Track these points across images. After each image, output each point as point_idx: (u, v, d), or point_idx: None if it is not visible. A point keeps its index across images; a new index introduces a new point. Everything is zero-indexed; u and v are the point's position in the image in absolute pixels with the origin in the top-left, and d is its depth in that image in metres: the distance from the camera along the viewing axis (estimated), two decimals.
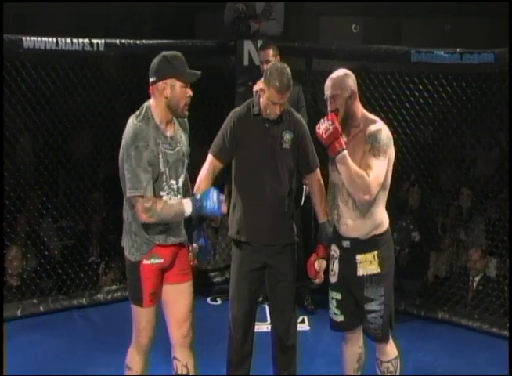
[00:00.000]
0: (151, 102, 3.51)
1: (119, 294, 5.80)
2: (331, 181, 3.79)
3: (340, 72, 3.66)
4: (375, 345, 3.84)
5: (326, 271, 3.91)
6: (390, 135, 3.64)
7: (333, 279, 3.81)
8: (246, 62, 5.89)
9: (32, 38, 5.09)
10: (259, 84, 4.24)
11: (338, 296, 3.80)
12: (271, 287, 4.03)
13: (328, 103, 3.64)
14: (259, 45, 5.73)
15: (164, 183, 3.49)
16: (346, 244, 3.72)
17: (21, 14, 8.07)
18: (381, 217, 3.70)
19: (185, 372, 3.70)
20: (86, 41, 5.29)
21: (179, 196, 3.55)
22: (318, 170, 4.01)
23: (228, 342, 4.09)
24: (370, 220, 3.66)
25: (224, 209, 3.50)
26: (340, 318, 3.82)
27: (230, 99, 5.91)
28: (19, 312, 5.45)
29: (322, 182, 3.99)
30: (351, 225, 3.68)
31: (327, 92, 3.63)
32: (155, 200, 3.41)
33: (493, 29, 8.85)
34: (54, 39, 5.17)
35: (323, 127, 3.52)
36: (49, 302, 5.63)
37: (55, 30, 5.38)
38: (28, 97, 5.64)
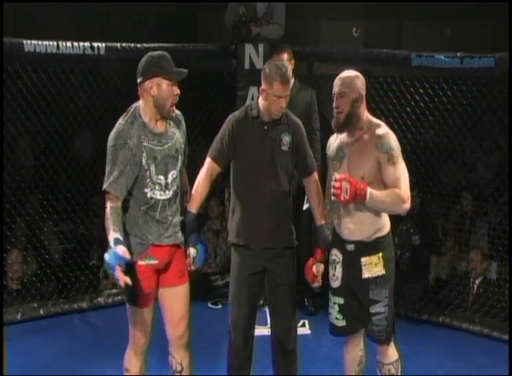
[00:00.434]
0: (140, 102, 3.57)
1: (119, 297, 5.77)
2: (330, 184, 3.78)
3: (351, 72, 3.69)
4: (376, 348, 3.84)
5: (324, 275, 3.90)
6: (395, 137, 3.68)
7: (336, 283, 3.80)
8: (247, 65, 5.89)
9: (33, 42, 5.10)
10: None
11: (341, 301, 3.79)
12: (270, 291, 4.03)
13: (334, 99, 3.66)
14: (260, 48, 5.73)
15: (148, 180, 3.53)
16: (350, 247, 3.71)
17: (21, 14, 8.09)
18: (383, 219, 3.70)
19: (179, 369, 3.74)
20: (87, 44, 5.30)
21: (167, 191, 3.58)
22: (315, 173, 4.01)
23: (229, 347, 4.08)
24: (373, 222, 3.67)
25: (116, 274, 3.35)
26: (341, 323, 3.81)
27: (231, 103, 5.91)
28: (19, 316, 5.44)
29: (319, 185, 3.99)
30: (354, 229, 3.68)
31: (335, 89, 3.65)
32: (112, 206, 3.47)
33: (495, 32, 8.87)
34: (55, 43, 5.17)
35: (342, 192, 3.49)
36: (50, 306, 5.62)
37: (56, 30, 5.39)
38: (29, 100, 5.64)
